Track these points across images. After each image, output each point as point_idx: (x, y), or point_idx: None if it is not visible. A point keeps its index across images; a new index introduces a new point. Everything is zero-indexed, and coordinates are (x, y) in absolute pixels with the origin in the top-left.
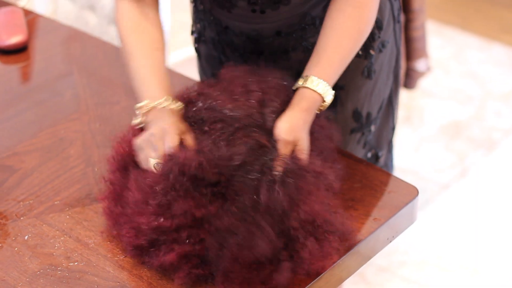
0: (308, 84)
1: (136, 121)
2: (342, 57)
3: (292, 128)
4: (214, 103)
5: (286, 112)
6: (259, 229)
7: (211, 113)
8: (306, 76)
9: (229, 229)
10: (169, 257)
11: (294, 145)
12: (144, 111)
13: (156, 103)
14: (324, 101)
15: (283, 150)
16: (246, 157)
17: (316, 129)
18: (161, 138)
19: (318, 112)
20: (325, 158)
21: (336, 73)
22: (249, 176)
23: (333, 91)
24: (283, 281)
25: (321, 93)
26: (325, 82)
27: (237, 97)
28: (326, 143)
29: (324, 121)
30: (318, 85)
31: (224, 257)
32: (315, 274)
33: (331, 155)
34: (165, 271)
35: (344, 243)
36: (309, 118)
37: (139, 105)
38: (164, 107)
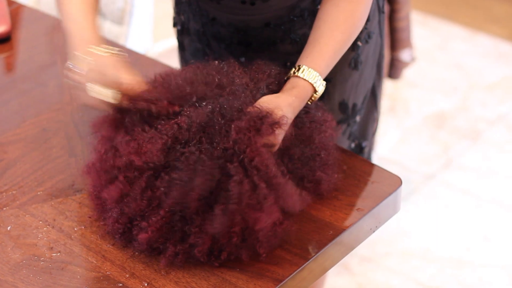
0: (299, 73)
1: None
2: (334, 49)
3: (272, 101)
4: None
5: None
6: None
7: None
8: (298, 66)
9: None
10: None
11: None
12: (90, 56)
13: (104, 48)
14: (315, 91)
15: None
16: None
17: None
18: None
19: (310, 103)
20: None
21: (328, 64)
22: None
23: (325, 82)
24: (217, 226)
25: (312, 82)
26: (316, 72)
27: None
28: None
29: (332, 130)
30: (309, 74)
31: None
32: (296, 265)
33: (331, 161)
34: (148, 262)
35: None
36: (296, 104)
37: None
38: (112, 53)
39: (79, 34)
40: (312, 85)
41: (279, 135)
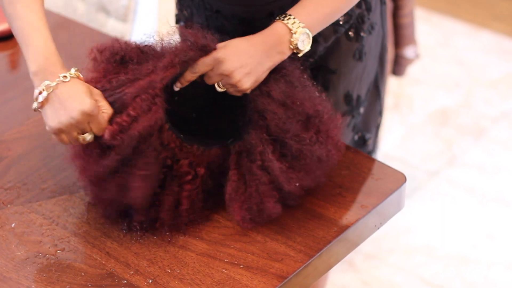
0: (277, 17)
1: (37, 102)
2: (317, 5)
3: (231, 43)
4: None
5: None
6: None
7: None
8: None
9: None
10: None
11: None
12: (49, 90)
13: (61, 76)
14: (291, 33)
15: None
16: None
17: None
18: (86, 123)
19: (292, 47)
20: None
21: (310, 16)
22: None
23: (305, 28)
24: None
25: (285, 22)
26: (291, 15)
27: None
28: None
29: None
30: (285, 17)
31: None
32: (300, 262)
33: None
34: (153, 259)
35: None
36: (256, 39)
37: (44, 83)
38: (70, 78)
39: (36, 46)
40: (287, 25)
41: (219, 61)
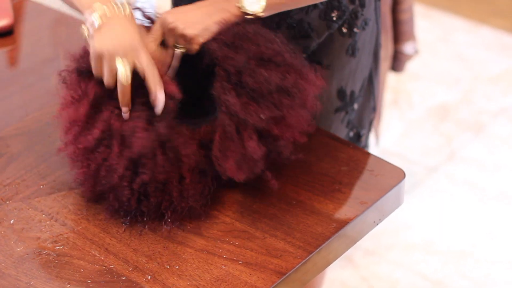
0: None
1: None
2: None
3: (179, 9)
4: None
5: None
6: None
7: None
8: None
9: None
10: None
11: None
12: (100, 15)
13: (112, 7)
14: None
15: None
16: None
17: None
18: (132, 52)
19: (239, 10)
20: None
21: None
22: None
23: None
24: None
25: None
26: None
27: None
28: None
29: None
30: None
31: None
32: (299, 258)
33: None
34: (152, 256)
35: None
36: (206, 1)
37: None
38: (121, 13)
39: None
40: None
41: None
